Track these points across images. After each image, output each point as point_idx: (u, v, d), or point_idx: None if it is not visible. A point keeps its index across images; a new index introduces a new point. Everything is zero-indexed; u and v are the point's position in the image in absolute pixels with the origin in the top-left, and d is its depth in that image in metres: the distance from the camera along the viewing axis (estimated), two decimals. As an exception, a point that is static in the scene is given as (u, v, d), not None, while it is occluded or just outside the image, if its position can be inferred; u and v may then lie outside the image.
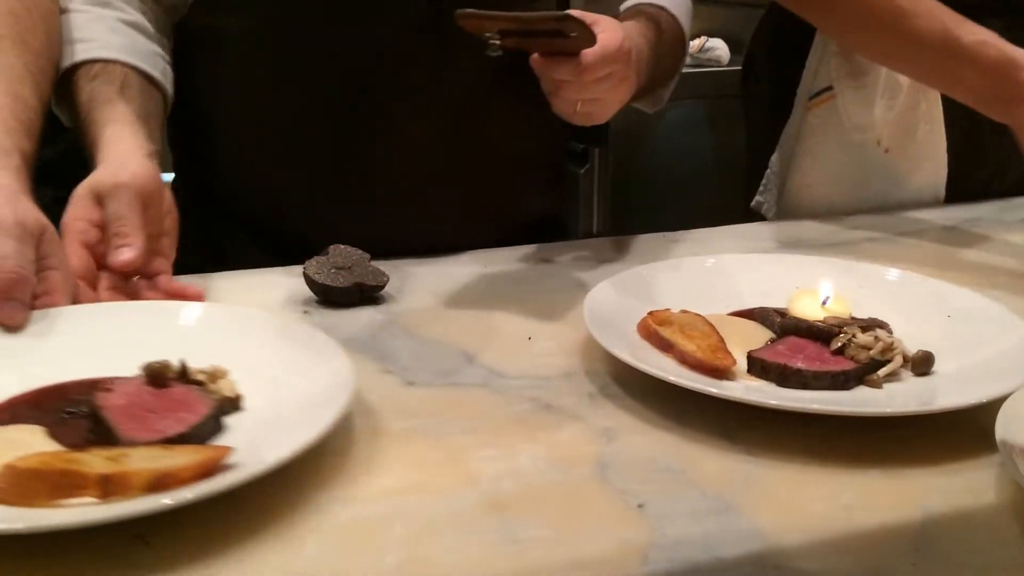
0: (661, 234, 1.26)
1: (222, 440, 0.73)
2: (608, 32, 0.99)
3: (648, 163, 2.81)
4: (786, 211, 1.41)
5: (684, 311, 0.91)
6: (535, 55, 1.02)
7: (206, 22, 1.16)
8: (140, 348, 0.80)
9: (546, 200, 1.34)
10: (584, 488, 0.71)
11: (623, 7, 1.27)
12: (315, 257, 1.02)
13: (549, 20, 0.94)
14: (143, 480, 0.63)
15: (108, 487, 0.63)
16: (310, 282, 1.01)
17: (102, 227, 0.94)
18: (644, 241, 1.23)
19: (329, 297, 1.01)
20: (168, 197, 1.00)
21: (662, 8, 1.25)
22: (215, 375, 0.79)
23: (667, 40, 1.21)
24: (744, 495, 0.70)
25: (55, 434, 0.72)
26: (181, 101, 1.19)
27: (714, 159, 2.92)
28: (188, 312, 0.90)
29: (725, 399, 0.77)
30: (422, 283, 1.08)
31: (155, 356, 0.78)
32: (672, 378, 0.79)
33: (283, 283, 1.06)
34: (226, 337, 0.85)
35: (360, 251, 1.04)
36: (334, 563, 0.62)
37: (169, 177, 1.30)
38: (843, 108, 1.33)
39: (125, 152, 0.97)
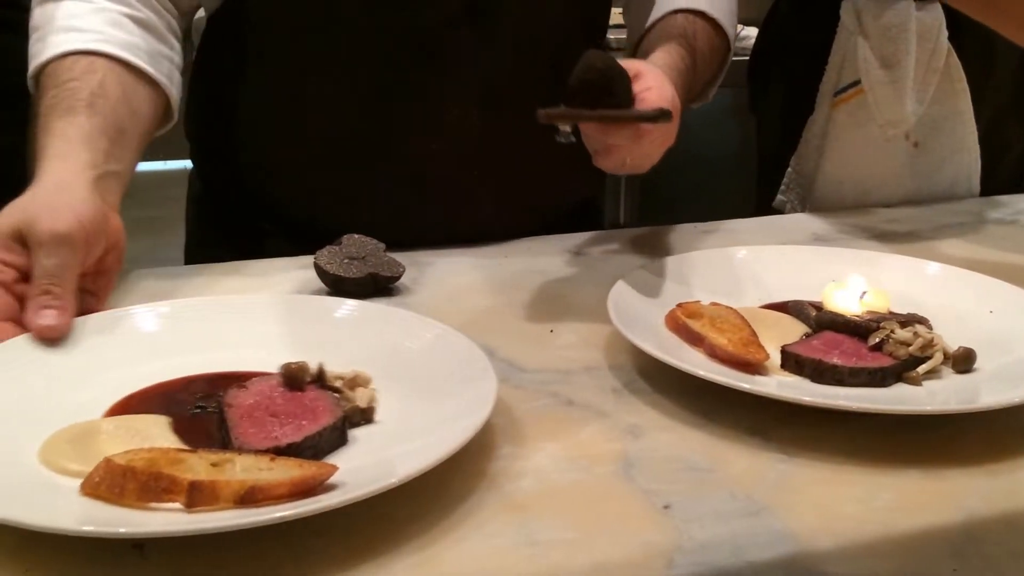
0: (692, 224, 1.24)
1: (344, 452, 0.71)
2: (656, 90, 0.93)
3: (679, 152, 2.78)
4: (815, 209, 1.39)
5: (714, 303, 0.89)
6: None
7: (238, 13, 1.15)
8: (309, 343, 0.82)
9: (580, 188, 1.33)
10: (607, 488, 0.69)
11: (655, 14, 1.22)
12: (327, 246, 1.01)
13: (642, 117, 0.90)
14: (231, 492, 0.62)
15: (194, 496, 0.62)
16: (321, 272, 0.99)
17: (22, 271, 0.84)
18: (675, 232, 1.22)
19: (341, 288, 0.99)
20: (114, 230, 0.91)
21: (700, 14, 1.21)
22: (355, 382, 0.77)
23: (703, 57, 1.18)
24: (775, 496, 0.68)
25: (178, 428, 0.72)
26: (206, 94, 1.19)
27: (748, 148, 2.90)
28: (346, 310, 0.90)
29: (757, 395, 0.76)
30: (439, 274, 1.07)
31: (315, 353, 0.78)
32: (702, 373, 0.78)
33: (294, 273, 1.05)
34: (382, 339, 0.85)
35: (375, 241, 1.02)
36: (347, 562, 0.61)
37: (185, 164, 1.30)
38: (874, 103, 1.31)
39: (65, 182, 0.89)
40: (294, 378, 0.75)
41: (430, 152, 1.15)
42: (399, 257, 1.02)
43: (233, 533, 0.59)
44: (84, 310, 0.86)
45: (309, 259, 1.01)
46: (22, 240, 0.84)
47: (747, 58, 2.81)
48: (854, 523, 0.65)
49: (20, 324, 0.82)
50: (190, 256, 1.30)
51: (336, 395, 0.75)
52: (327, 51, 1.12)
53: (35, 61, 1.00)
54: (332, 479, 0.64)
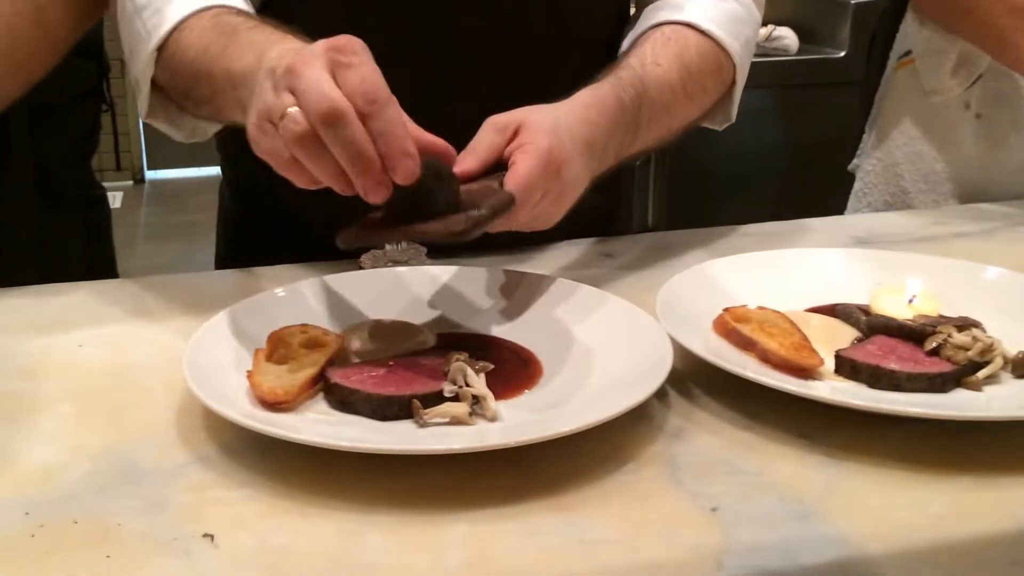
0: (729, 227, 1.24)
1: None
2: (528, 155, 0.86)
3: (709, 156, 2.79)
4: (867, 169, 1.41)
5: (762, 308, 0.89)
6: None
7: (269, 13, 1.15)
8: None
9: (600, 193, 1.32)
10: (654, 490, 0.69)
11: (637, 29, 1.14)
12: (371, 251, 1.02)
13: (451, 233, 0.79)
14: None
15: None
16: None
17: None
18: (711, 235, 1.21)
19: None
20: None
21: (690, 26, 1.10)
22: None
23: (664, 86, 1.06)
24: (825, 500, 0.68)
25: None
26: None
27: (779, 152, 2.89)
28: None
29: (804, 399, 0.76)
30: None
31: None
32: (757, 377, 0.78)
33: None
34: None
35: (417, 245, 1.03)
36: (398, 559, 0.62)
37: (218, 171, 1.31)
38: (921, 71, 1.34)
39: None
40: None
41: None
42: (441, 262, 1.03)
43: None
44: None
45: (354, 262, 1.03)
46: None
47: (783, 59, 2.83)
48: (907, 529, 0.65)
49: None
50: (220, 263, 1.31)
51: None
52: None
53: (169, 22, 0.96)
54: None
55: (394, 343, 0.85)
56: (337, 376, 0.78)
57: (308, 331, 0.83)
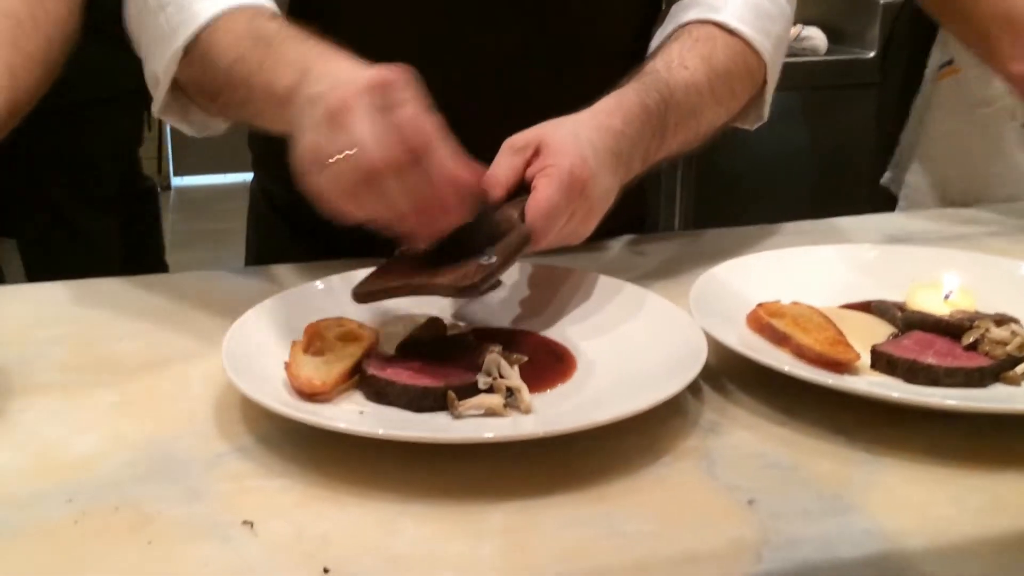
0: (760, 226, 1.24)
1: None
2: (550, 180, 0.85)
3: (736, 158, 2.78)
4: (912, 184, 1.40)
5: (795, 303, 0.89)
6: None
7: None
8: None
9: (630, 198, 1.33)
10: (690, 483, 0.70)
11: (664, 30, 1.13)
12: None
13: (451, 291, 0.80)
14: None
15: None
16: None
17: None
18: (742, 234, 1.21)
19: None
20: None
21: (718, 26, 1.08)
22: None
23: (721, 76, 1.06)
24: (864, 495, 0.68)
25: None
26: None
27: (807, 154, 2.88)
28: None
29: (840, 394, 0.76)
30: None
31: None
32: (794, 371, 0.78)
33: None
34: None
35: None
36: (433, 548, 0.62)
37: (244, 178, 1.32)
38: (966, 82, 1.31)
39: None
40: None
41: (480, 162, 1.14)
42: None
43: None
44: None
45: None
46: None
47: (811, 59, 2.82)
48: (946, 523, 0.65)
49: None
50: (251, 263, 1.31)
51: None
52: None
53: (197, 20, 0.95)
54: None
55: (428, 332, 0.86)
56: (373, 368, 0.79)
57: (344, 324, 0.84)
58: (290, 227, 1.26)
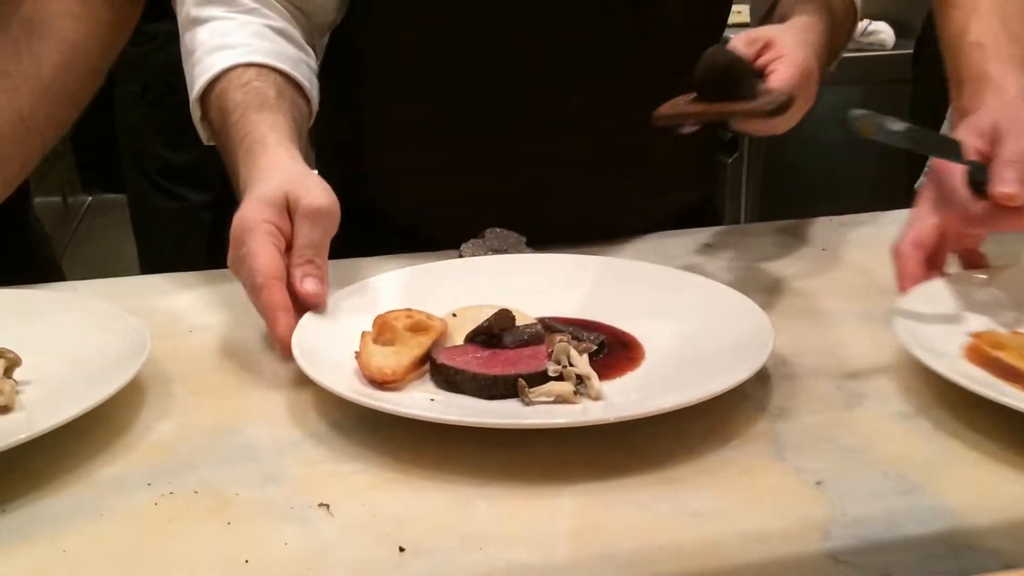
0: (827, 218, 1.25)
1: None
2: (787, 61, 0.95)
3: (801, 152, 2.78)
4: None
5: (1016, 332, 0.84)
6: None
7: (350, 36, 1.21)
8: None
9: (691, 190, 1.34)
10: (758, 465, 0.71)
11: None
12: (472, 240, 1.05)
13: (756, 112, 0.92)
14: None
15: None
16: None
17: (287, 239, 0.91)
18: (807, 225, 1.22)
19: None
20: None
21: None
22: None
23: (838, 16, 1.17)
24: (929, 475, 0.69)
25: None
26: (331, 103, 1.24)
27: (872, 148, 2.87)
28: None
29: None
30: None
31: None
32: (1008, 400, 0.72)
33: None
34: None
35: (516, 234, 1.06)
36: (507, 527, 0.64)
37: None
38: None
39: (302, 172, 0.95)
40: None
41: (547, 160, 1.18)
42: (540, 250, 1.06)
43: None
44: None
45: (453, 252, 1.06)
46: (288, 213, 0.91)
47: (879, 54, 2.81)
48: (1011, 501, 0.66)
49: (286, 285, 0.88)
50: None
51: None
52: (447, 68, 1.16)
53: (201, 79, 1.05)
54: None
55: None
56: (444, 357, 0.81)
57: (413, 315, 0.86)
58: (352, 224, 1.29)
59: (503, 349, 0.83)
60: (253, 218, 0.88)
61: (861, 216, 1.25)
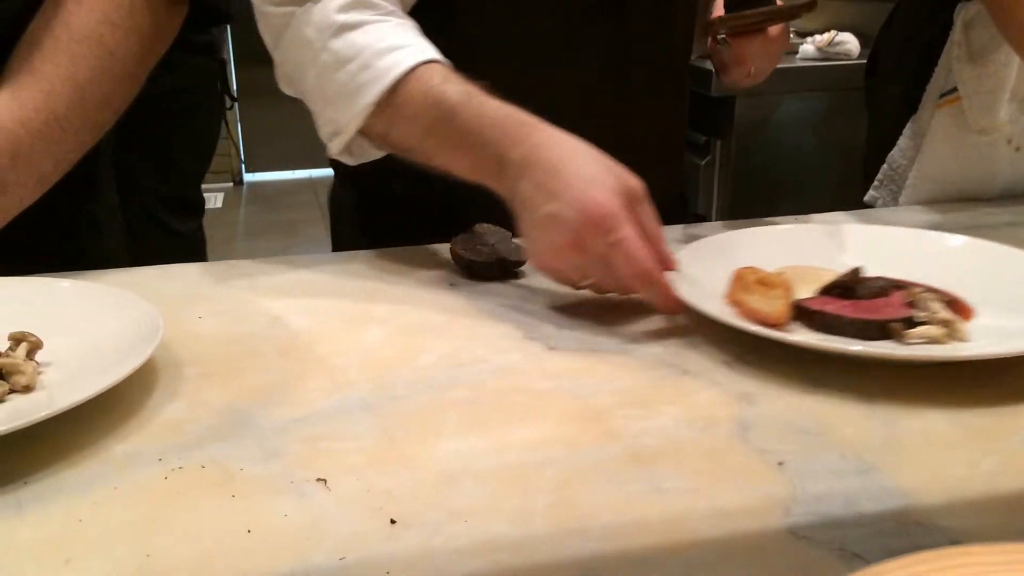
0: (792, 217, 1.25)
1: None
2: None
3: (769, 155, 2.79)
4: (905, 203, 1.39)
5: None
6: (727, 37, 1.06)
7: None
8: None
9: (671, 181, 1.34)
10: (724, 446, 0.71)
11: None
12: (462, 235, 1.05)
13: (795, 8, 0.99)
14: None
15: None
16: (456, 257, 1.04)
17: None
18: (772, 224, 1.22)
19: (473, 271, 1.03)
20: None
21: None
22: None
23: None
24: (885, 458, 0.69)
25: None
26: None
27: (838, 152, 2.88)
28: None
29: (863, 363, 0.78)
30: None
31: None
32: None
33: (433, 258, 1.10)
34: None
35: (503, 229, 1.06)
36: (490, 502, 0.64)
37: (309, 174, 1.35)
38: (968, 112, 1.30)
39: (601, 155, 0.92)
40: None
41: None
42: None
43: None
44: None
45: (445, 246, 1.07)
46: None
47: (845, 63, 2.81)
48: (961, 482, 0.66)
49: None
50: (337, 249, 1.35)
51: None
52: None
53: (382, 82, 0.98)
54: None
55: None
56: (816, 305, 0.87)
57: (757, 272, 0.91)
58: (367, 218, 1.30)
59: (859, 300, 0.87)
60: (616, 205, 0.87)
61: (821, 215, 1.26)
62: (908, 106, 1.40)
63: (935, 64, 1.35)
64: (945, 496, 0.65)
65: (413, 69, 0.97)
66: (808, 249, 1.02)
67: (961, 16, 1.30)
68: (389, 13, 1.02)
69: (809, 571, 0.58)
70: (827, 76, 2.77)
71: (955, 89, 1.32)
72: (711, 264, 0.96)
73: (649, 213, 0.90)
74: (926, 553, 0.49)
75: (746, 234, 1.06)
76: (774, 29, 1.01)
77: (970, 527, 0.62)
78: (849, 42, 2.84)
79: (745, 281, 0.90)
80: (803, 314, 0.87)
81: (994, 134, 1.31)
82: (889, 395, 0.77)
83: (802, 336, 0.84)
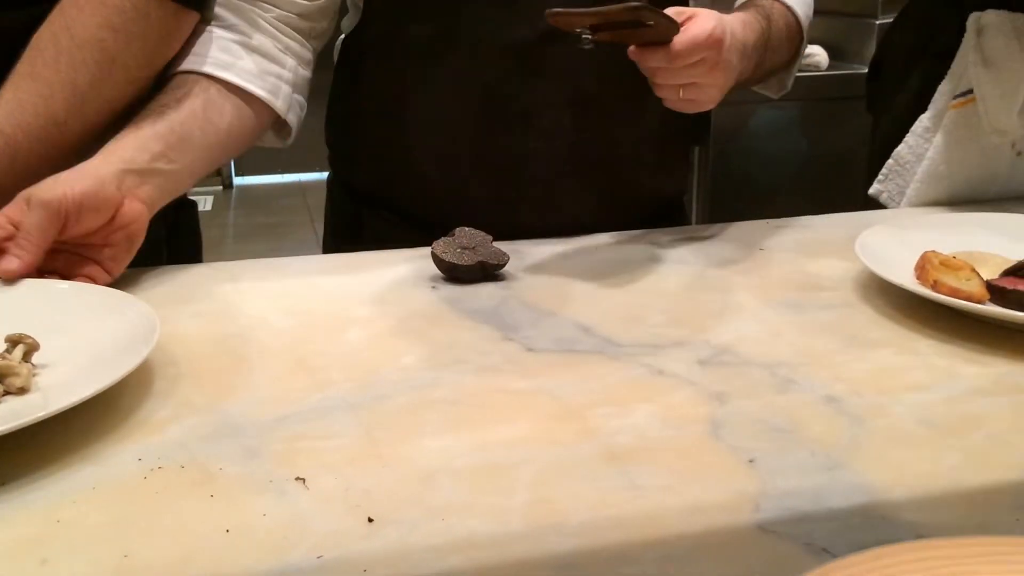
0: (765, 221, 1.25)
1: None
2: (700, 20, 0.98)
3: (748, 161, 2.80)
4: (911, 200, 1.39)
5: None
6: (632, 47, 1.00)
7: (360, 37, 1.22)
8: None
9: (667, 184, 1.34)
10: (697, 444, 0.71)
11: (737, 2, 1.25)
12: (443, 238, 1.04)
13: (625, 11, 0.91)
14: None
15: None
16: (437, 260, 1.03)
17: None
18: (747, 227, 1.22)
19: (454, 274, 1.02)
20: (126, 212, 0.95)
21: (776, 0, 1.23)
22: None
23: (778, 28, 1.19)
24: (850, 454, 0.69)
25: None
26: (337, 107, 1.26)
27: (808, 159, 2.90)
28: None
29: (837, 369, 0.77)
30: (539, 262, 1.09)
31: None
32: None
33: (414, 261, 1.08)
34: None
35: (483, 233, 1.05)
36: (468, 500, 0.64)
37: (298, 178, 1.35)
38: (984, 113, 1.30)
39: (90, 167, 0.94)
40: None
41: (526, 154, 1.17)
42: (503, 247, 1.05)
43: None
44: (89, 276, 0.95)
45: (426, 249, 1.05)
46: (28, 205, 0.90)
47: (814, 74, 2.82)
48: (925, 479, 0.66)
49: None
50: (327, 251, 1.34)
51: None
52: (434, 67, 1.15)
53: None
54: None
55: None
56: (1010, 284, 0.91)
57: (939, 255, 0.95)
58: (358, 220, 1.29)
59: None
60: None
61: (796, 219, 1.25)
62: (917, 109, 1.40)
63: (947, 69, 1.35)
64: (910, 492, 0.64)
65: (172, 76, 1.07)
66: (966, 236, 1.08)
67: (974, 26, 1.30)
68: (227, 27, 1.11)
69: (778, 565, 0.57)
70: (799, 86, 2.76)
71: (970, 91, 1.33)
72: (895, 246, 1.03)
73: (27, 217, 0.90)
74: (892, 547, 0.49)
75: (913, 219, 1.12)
76: (677, 42, 0.96)
77: (934, 521, 0.61)
78: (819, 55, 2.87)
79: (934, 263, 0.94)
80: (996, 292, 0.91)
81: (1007, 136, 1.31)
82: (857, 392, 0.77)
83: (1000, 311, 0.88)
